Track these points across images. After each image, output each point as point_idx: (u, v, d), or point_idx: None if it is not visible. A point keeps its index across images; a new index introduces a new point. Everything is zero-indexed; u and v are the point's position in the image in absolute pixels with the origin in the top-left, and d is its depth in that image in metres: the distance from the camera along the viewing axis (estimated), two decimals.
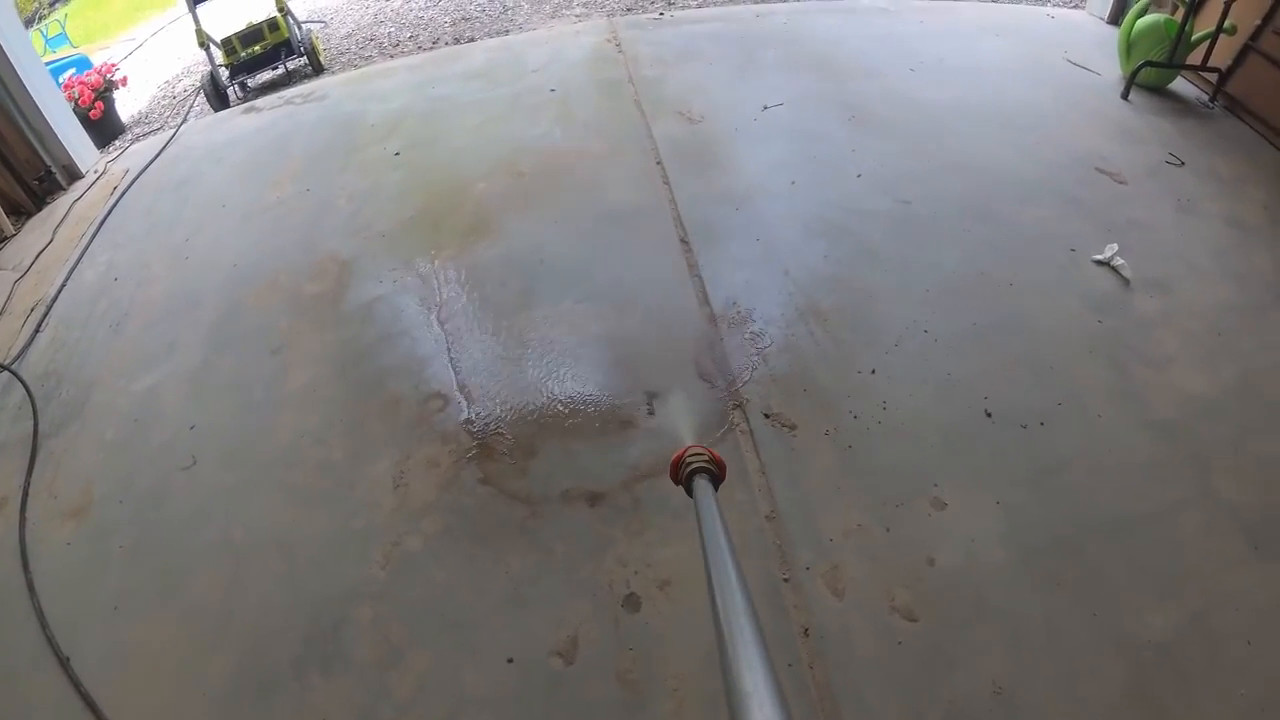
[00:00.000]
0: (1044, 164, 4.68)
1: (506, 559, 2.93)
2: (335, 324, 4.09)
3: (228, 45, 8.00)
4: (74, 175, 6.21)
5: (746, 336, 3.67)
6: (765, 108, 5.45)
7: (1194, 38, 5.17)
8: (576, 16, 8.30)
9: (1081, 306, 3.72)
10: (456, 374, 3.68)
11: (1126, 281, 3.82)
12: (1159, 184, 4.53)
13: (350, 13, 10.02)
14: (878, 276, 3.93)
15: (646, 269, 4.11)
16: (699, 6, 7.85)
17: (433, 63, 7.20)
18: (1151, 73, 5.34)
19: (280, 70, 8.23)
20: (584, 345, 3.74)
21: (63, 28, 11.87)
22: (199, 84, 8.05)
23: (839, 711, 2.46)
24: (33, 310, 4.69)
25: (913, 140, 4.96)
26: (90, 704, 2.73)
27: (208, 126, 6.87)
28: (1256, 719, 2.43)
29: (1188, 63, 5.28)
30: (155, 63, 10.27)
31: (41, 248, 5.32)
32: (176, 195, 5.62)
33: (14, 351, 4.34)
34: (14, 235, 5.62)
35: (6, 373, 4.18)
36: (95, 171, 6.27)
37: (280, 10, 8.10)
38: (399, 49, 8.40)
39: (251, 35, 8.07)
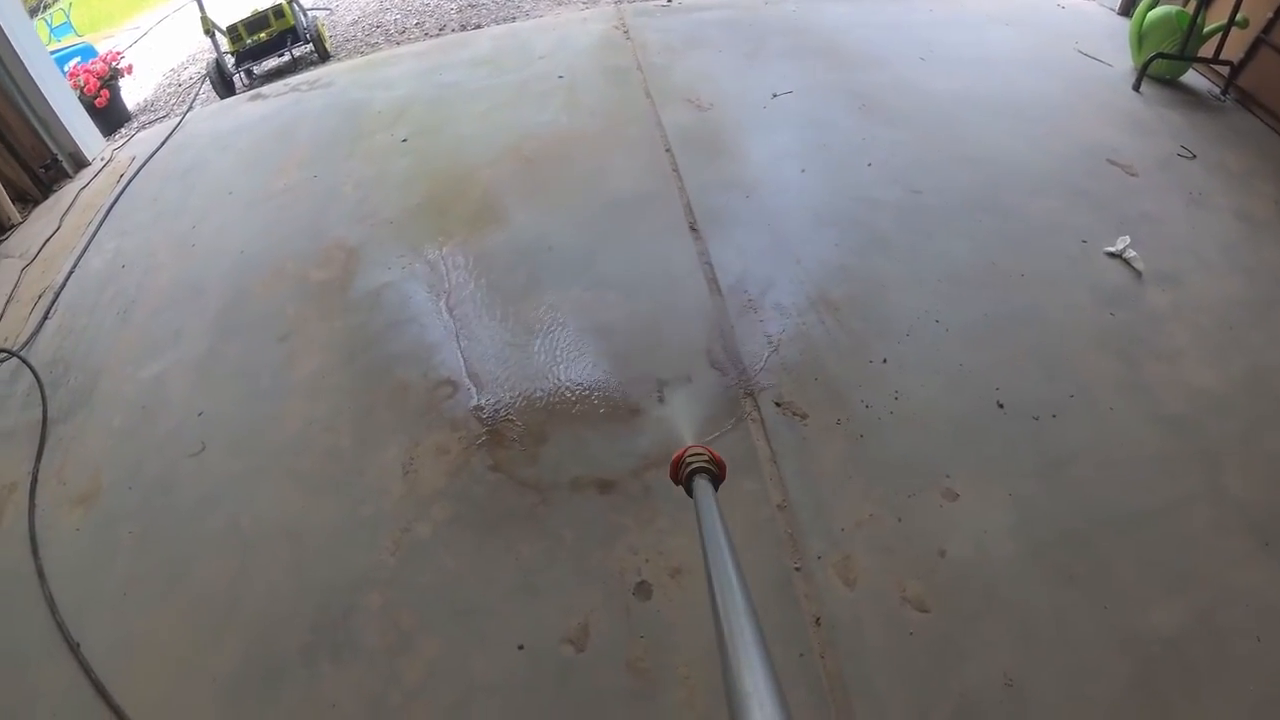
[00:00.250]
0: (1055, 155, 4.66)
1: (517, 546, 2.93)
2: (343, 311, 4.08)
3: (233, 32, 7.99)
4: (80, 163, 6.21)
5: (757, 324, 3.66)
6: (774, 95, 5.43)
7: (1206, 30, 5.15)
8: (584, 3, 8.28)
9: (1092, 299, 3.71)
10: (465, 361, 3.67)
11: (1138, 274, 3.80)
12: (1170, 177, 4.51)
13: None
14: (889, 266, 3.92)
15: (656, 256, 4.10)
16: None
17: (439, 49, 7.19)
18: (1163, 65, 5.32)
19: (286, 57, 8.24)
20: (593, 332, 3.72)
21: (67, 16, 11.85)
22: (204, 71, 8.05)
23: (850, 701, 2.45)
24: (40, 297, 4.69)
25: (923, 129, 4.94)
26: (100, 690, 2.74)
27: (213, 114, 6.87)
28: (1263, 716, 2.42)
29: (1199, 55, 5.26)
30: (160, 50, 10.27)
31: (48, 235, 5.32)
32: (183, 183, 5.62)
33: (22, 338, 4.35)
34: (21, 223, 5.62)
35: (15, 359, 4.17)
36: (101, 159, 6.27)
37: None
38: (405, 35, 8.39)
39: (257, 22, 8.07)
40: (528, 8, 8.46)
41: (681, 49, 6.30)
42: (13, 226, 5.59)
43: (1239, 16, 4.92)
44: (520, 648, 2.65)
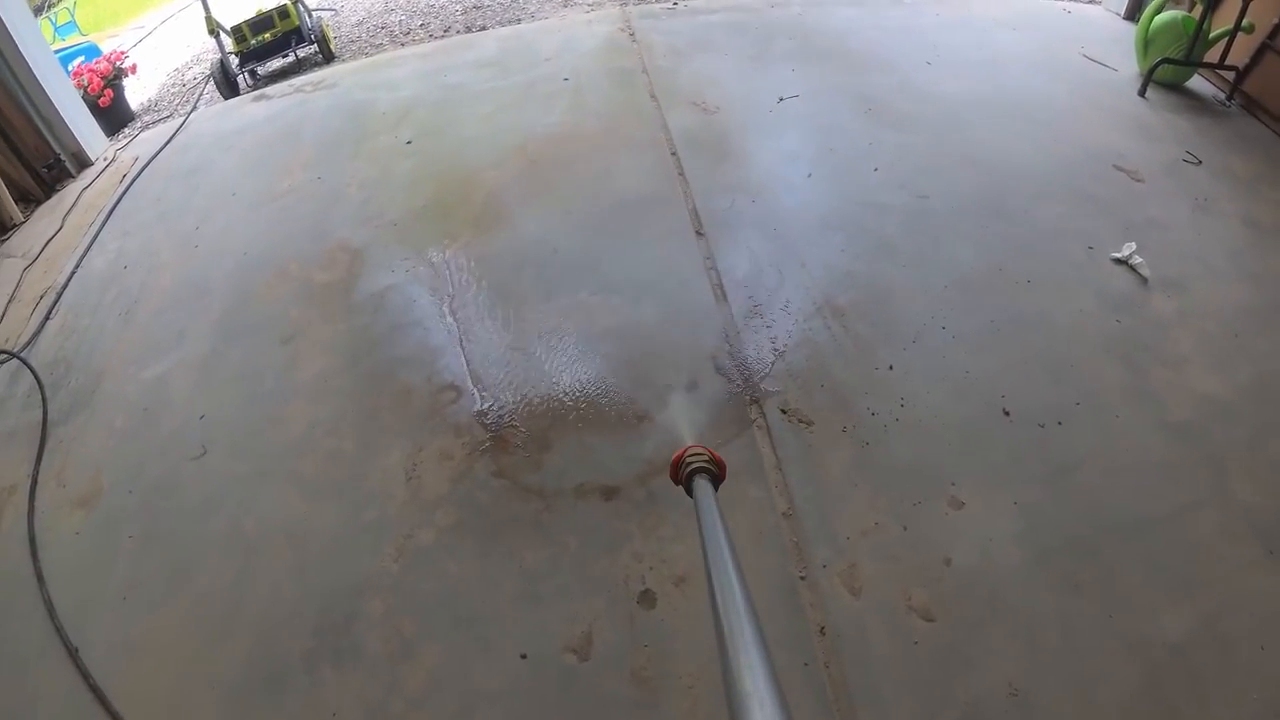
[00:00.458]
0: (1061, 160, 4.65)
1: (520, 553, 2.91)
2: (346, 313, 4.07)
3: (238, 33, 7.97)
4: (83, 163, 6.20)
5: (763, 330, 3.64)
6: (781, 99, 5.41)
7: (1211, 35, 5.14)
8: (589, 5, 8.25)
9: (1099, 305, 3.69)
10: (469, 365, 3.66)
11: (1144, 280, 3.79)
12: (1176, 182, 4.49)
13: (361, 0, 9.98)
14: (895, 271, 3.90)
15: (661, 261, 4.08)
16: None
17: (444, 51, 7.18)
18: (1168, 70, 5.31)
19: (290, 58, 8.22)
20: (599, 338, 3.71)
21: (72, 15, 11.82)
22: (209, 71, 8.03)
23: (854, 711, 2.44)
24: (42, 298, 4.67)
25: (929, 134, 4.93)
26: (99, 695, 2.73)
27: (217, 114, 6.86)
28: None
29: (1205, 60, 5.24)
30: (165, 50, 10.26)
31: (51, 235, 5.31)
32: (186, 183, 5.61)
33: (24, 339, 4.33)
34: (23, 223, 5.61)
35: (16, 360, 4.16)
36: (104, 159, 6.26)
37: None
38: (410, 37, 8.37)
39: (262, 23, 8.04)
40: (533, 9, 8.44)
41: (687, 51, 6.29)
42: (15, 226, 5.58)
43: (1245, 22, 4.91)
44: (523, 656, 2.64)
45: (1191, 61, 5.20)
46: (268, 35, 8.04)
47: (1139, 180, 4.48)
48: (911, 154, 4.74)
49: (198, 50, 9.63)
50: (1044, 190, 4.40)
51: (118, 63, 7.55)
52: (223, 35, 7.81)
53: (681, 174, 4.72)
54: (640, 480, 3.09)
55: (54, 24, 11.46)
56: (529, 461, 3.22)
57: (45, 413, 3.85)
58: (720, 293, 3.85)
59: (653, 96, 5.61)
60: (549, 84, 6.01)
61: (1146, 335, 3.56)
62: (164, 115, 7.72)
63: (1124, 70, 5.67)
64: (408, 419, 3.47)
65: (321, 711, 2.61)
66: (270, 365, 3.86)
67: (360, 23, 9.16)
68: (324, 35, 8.20)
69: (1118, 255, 3.90)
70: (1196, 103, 5.35)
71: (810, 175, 4.61)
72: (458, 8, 8.87)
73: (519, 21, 8.08)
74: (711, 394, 3.40)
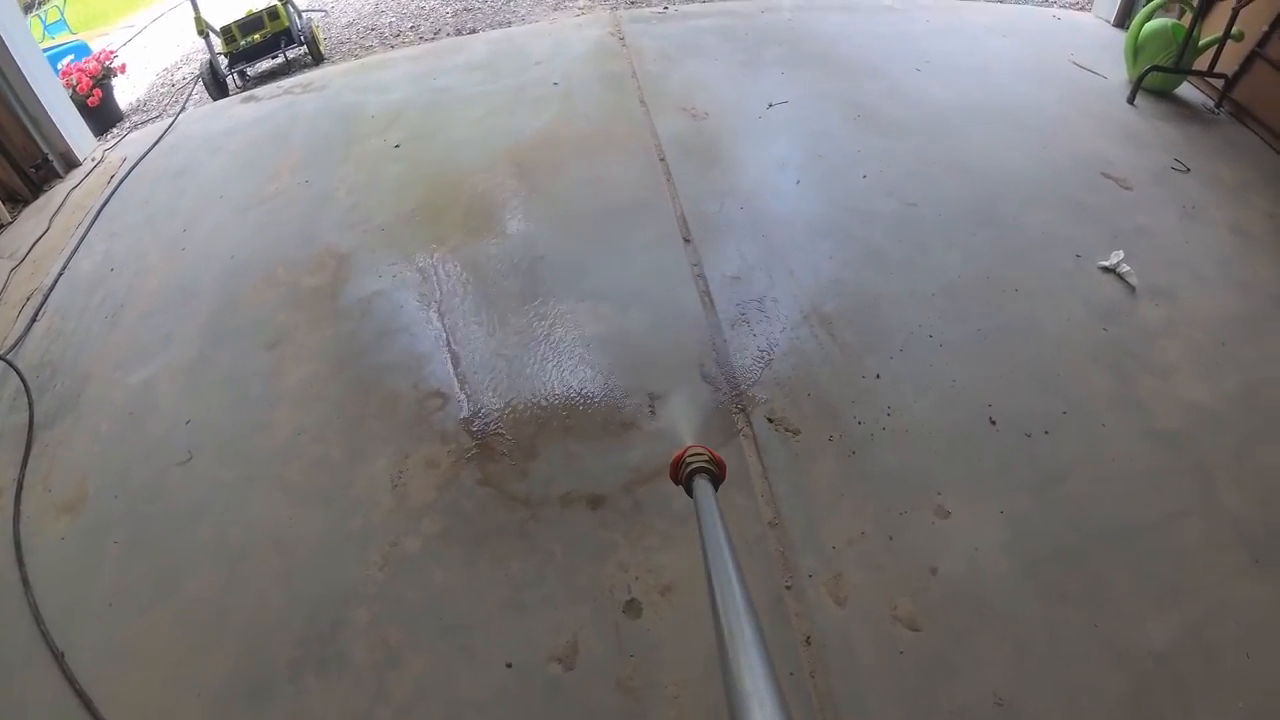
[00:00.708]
0: (1050, 167, 4.66)
1: (506, 562, 2.91)
2: (333, 319, 4.06)
3: (227, 33, 7.95)
4: (71, 163, 6.17)
5: (750, 338, 3.64)
6: (770, 105, 5.42)
7: (1201, 43, 5.15)
8: (580, 9, 8.25)
9: (1087, 313, 3.70)
10: (456, 372, 3.65)
11: (1132, 289, 3.80)
12: (1164, 190, 4.50)
13: (351, 2, 9.96)
14: (883, 279, 3.90)
15: (649, 267, 4.08)
16: (703, 1, 7.78)
17: (434, 54, 7.16)
18: (1158, 77, 5.32)
19: (280, 59, 8.19)
20: (586, 344, 3.70)
21: (61, 14, 11.79)
22: (198, 72, 8.00)
23: None
24: (29, 299, 4.65)
25: (918, 141, 4.93)
26: (85, 701, 2.71)
27: (206, 115, 6.83)
28: None
29: (1194, 68, 5.26)
30: (154, 50, 10.22)
31: (38, 236, 5.28)
32: (174, 185, 5.59)
33: (9, 341, 4.31)
34: (10, 223, 5.58)
35: (2, 363, 4.14)
36: (93, 159, 6.23)
37: None
38: (400, 39, 8.35)
39: (251, 23, 8.02)
40: (523, 13, 8.43)
41: (677, 57, 6.28)
42: (2, 227, 5.54)
43: (1234, 30, 4.93)
44: (509, 665, 2.63)
45: (1181, 69, 5.22)
46: (257, 36, 8.01)
47: (1127, 188, 4.49)
48: (900, 161, 4.74)
49: (187, 50, 9.60)
50: (1033, 197, 4.40)
51: (107, 62, 7.53)
52: (212, 36, 7.79)
53: (670, 180, 4.71)
54: (626, 489, 3.08)
55: (44, 22, 11.44)
56: (515, 469, 3.21)
57: (31, 416, 3.82)
58: (708, 300, 3.85)
59: (642, 102, 5.61)
60: (539, 88, 6.00)
61: (1134, 343, 3.57)
62: (153, 115, 7.70)
63: (1113, 77, 5.68)
64: (394, 426, 3.46)
65: None
66: (257, 370, 3.84)
67: (350, 24, 9.14)
68: (314, 37, 8.18)
69: (1105, 263, 3.91)
70: (1186, 110, 5.37)
71: (799, 182, 4.61)
72: (448, 10, 8.86)
73: (509, 25, 8.07)
74: (699, 402, 3.40)
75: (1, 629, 3.01)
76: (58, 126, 6.02)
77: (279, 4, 8.04)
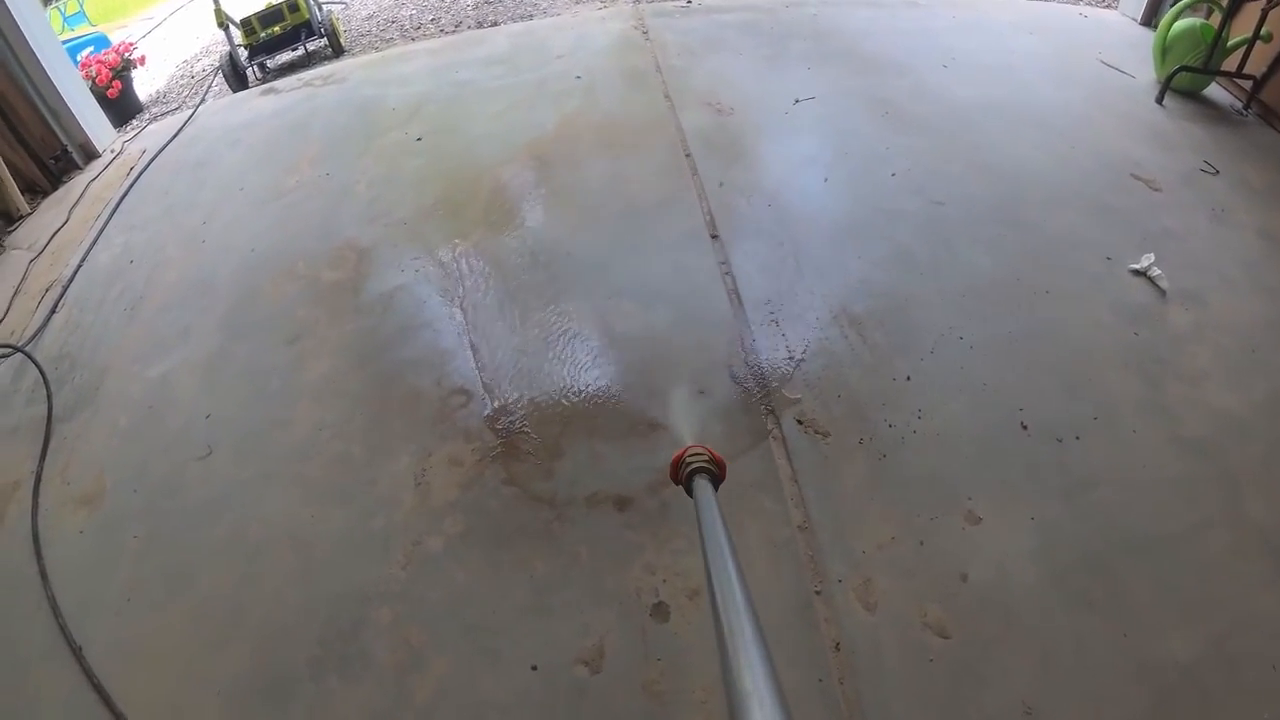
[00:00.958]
0: (1078, 167, 4.60)
1: (531, 563, 2.88)
2: (354, 314, 4.04)
3: (247, 25, 7.96)
4: (90, 155, 6.18)
5: (779, 338, 3.60)
6: (796, 101, 5.37)
7: (1230, 43, 5.09)
8: (602, 2, 8.23)
9: (1116, 317, 3.65)
10: (480, 369, 3.62)
11: (1162, 293, 3.75)
12: (1193, 192, 4.45)
13: None
14: (912, 279, 3.86)
15: (676, 265, 4.04)
16: None
17: (454, 47, 7.14)
18: (1186, 77, 5.26)
19: (300, 51, 8.21)
20: (612, 343, 3.67)
21: (80, 6, 11.82)
22: (217, 64, 8.02)
23: None
24: (48, 291, 4.65)
25: (945, 139, 4.89)
26: (103, 696, 2.70)
27: (226, 107, 6.83)
28: None
29: (1222, 69, 5.20)
30: (174, 42, 10.26)
31: (57, 228, 5.28)
32: (193, 177, 5.58)
33: (28, 333, 4.30)
34: (30, 214, 5.59)
35: (21, 354, 4.12)
36: (112, 151, 6.24)
37: None
38: (420, 32, 8.35)
39: (271, 15, 8.03)
40: (545, 5, 8.42)
41: (701, 51, 6.25)
42: (21, 218, 5.55)
43: (1263, 30, 4.86)
44: (533, 668, 2.61)
45: (1210, 70, 5.15)
46: (277, 28, 8.03)
47: (1156, 190, 4.44)
48: (927, 159, 4.69)
49: (207, 42, 9.63)
50: (1061, 198, 4.35)
51: (126, 54, 7.54)
52: (232, 28, 7.80)
53: (696, 176, 4.67)
54: (653, 490, 3.05)
55: (63, 14, 11.47)
56: (540, 469, 3.18)
57: (50, 408, 3.82)
58: (735, 298, 3.81)
59: (666, 96, 5.57)
60: (561, 82, 5.97)
61: (1163, 349, 3.52)
62: (172, 107, 7.71)
63: (1141, 77, 5.62)
64: (416, 423, 3.43)
65: None
66: (276, 365, 3.82)
67: (370, 16, 9.14)
68: (334, 29, 8.19)
69: (1136, 266, 3.86)
70: (1213, 111, 5.30)
71: (827, 179, 4.57)
72: (469, 2, 8.86)
73: (531, 18, 8.07)
74: (727, 403, 3.36)
75: (20, 622, 3.00)
76: (77, 118, 6.03)
77: None
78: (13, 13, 5.45)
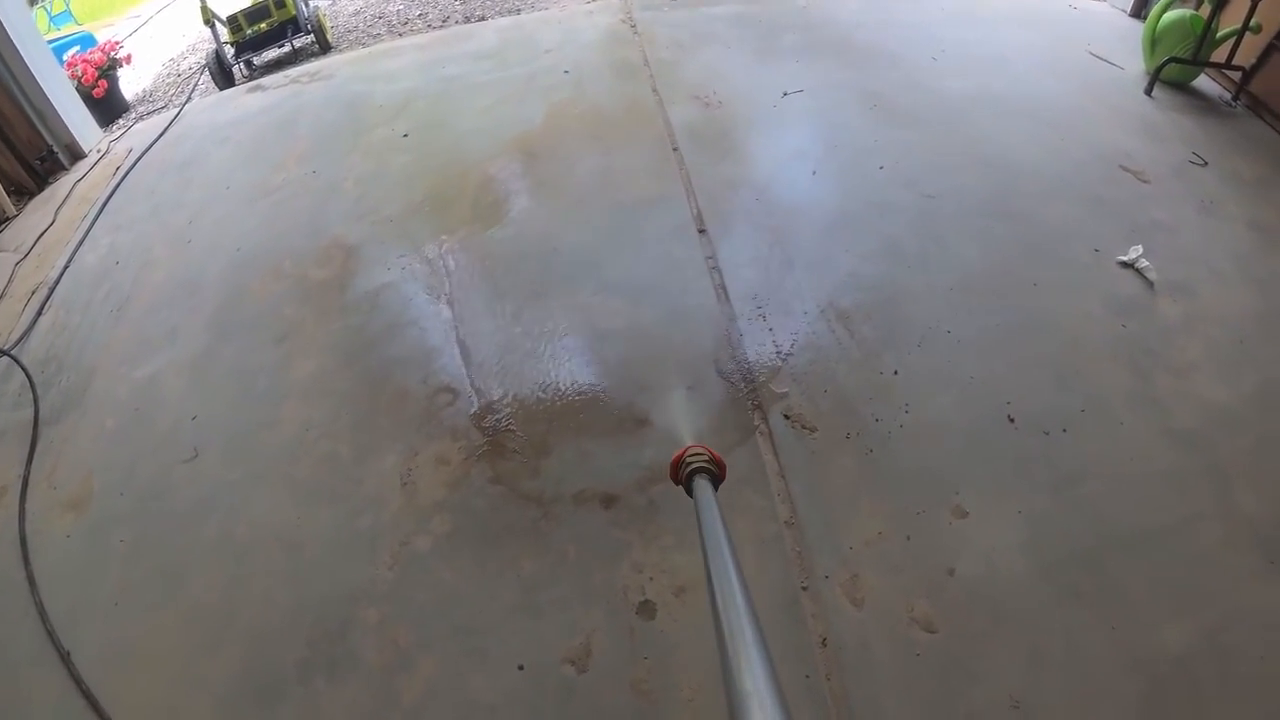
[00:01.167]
0: (1068, 159, 4.59)
1: (518, 562, 2.87)
2: (341, 312, 4.03)
3: (233, 22, 7.93)
4: (76, 155, 6.16)
5: (766, 333, 3.59)
6: (785, 94, 5.36)
7: (1219, 35, 5.09)
8: None
9: (1105, 309, 3.65)
10: (466, 367, 3.61)
11: (1151, 285, 3.74)
12: (1182, 184, 4.44)
13: None
14: (900, 273, 3.85)
15: (663, 260, 4.03)
16: None
17: (442, 42, 7.13)
18: (1175, 69, 5.26)
19: (286, 48, 8.19)
20: (599, 339, 3.66)
21: (67, 4, 11.78)
22: (204, 62, 7.98)
23: None
24: (34, 293, 4.63)
25: (935, 131, 4.88)
26: (91, 700, 2.70)
27: (212, 105, 6.81)
28: None
29: (1212, 60, 5.20)
30: (160, 40, 10.22)
31: (43, 229, 5.26)
32: (180, 176, 5.56)
33: (14, 336, 4.29)
34: (16, 216, 5.57)
35: (6, 358, 4.11)
36: (98, 151, 6.22)
37: None
38: (408, 27, 8.32)
39: (257, 12, 8.00)
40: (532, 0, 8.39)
41: (690, 44, 6.23)
42: (7, 220, 5.53)
43: (1253, 22, 4.86)
44: (521, 667, 2.61)
45: (1199, 61, 5.15)
46: (263, 25, 7.99)
47: (1145, 181, 4.43)
48: (917, 152, 4.68)
49: (193, 40, 9.60)
50: (1050, 190, 4.35)
51: (112, 53, 7.51)
52: (218, 25, 7.76)
53: (684, 170, 4.66)
54: (640, 487, 3.04)
55: (49, 13, 11.42)
56: (527, 467, 3.17)
57: (37, 412, 3.81)
58: (723, 293, 3.80)
59: (655, 90, 5.56)
60: (549, 76, 5.96)
61: (1153, 341, 3.52)
62: (159, 106, 7.68)
63: (1130, 68, 5.62)
64: (403, 422, 3.42)
65: None
66: (263, 365, 3.81)
67: (357, 12, 9.12)
68: (320, 25, 8.15)
69: (1125, 258, 3.86)
70: (1203, 103, 5.30)
71: (815, 172, 4.56)
72: None
73: (518, 12, 8.04)
74: (714, 398, 3.36)
75: (8, 628, 2.99)
76: (63, 118, 6.01)
77: None
78: None
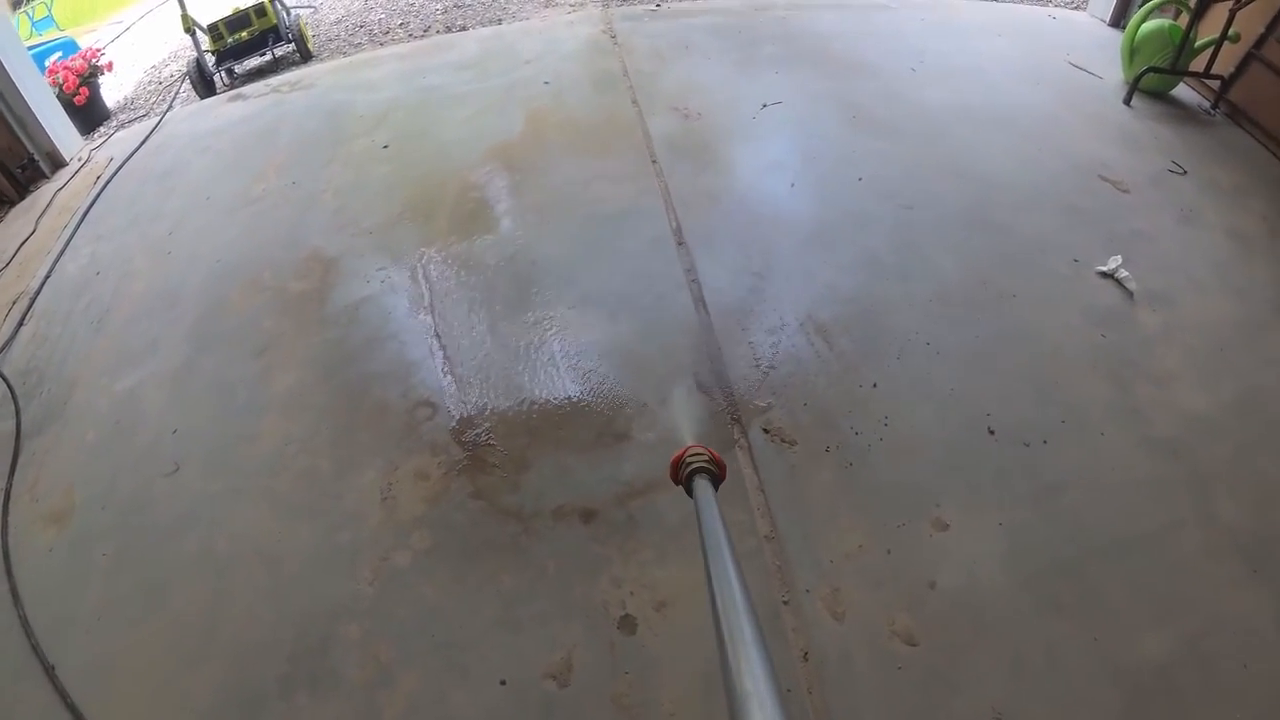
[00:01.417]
0: (1046, 170, 4.63)
1: (498, 577, 2.87)
2: (321, 325, 4.01)
3: (214, 31, 7.87)
4: (58, 163, 6.13)
5: (745, 346, 3.60)
6: (764, 105, 5.37)
7: (1197, 44, 5.13)
8: (571, 6, 8.17)
9: (1084, 320, 3.68)
10: (445, 380, 3.60)
11: (1130, 294, 3.77)
12: (1161, 193, 4.48)
13: None
14: (879, 285, 3.87)
15: (642, 272, 4.03)
16: None
17: (423, 52, 7.10)
18: (1154, 78, 5.29)
19: (268, 57, 8.12)
20: (578, 353, 3.65)
21: (49, 10, 11.69)
22: (185, 70, 7.92)
23: None
24: (15, 303, 4.60)
25: (913, 142, 4.90)
26: (77, 715, 2.69)
27: (193, 114, 6.78)
28: None
29: (1190, 69, 5.24)
30: (142, 47, 10.13)
31: (24, 238, 5.23)
32: (160, 186, 5.53)
33: None
34: None
35: None
36: (79, 159, 6.19)
37: None
38: (389, 36, 8.29)
39: (238, 21, 7.94)
40: (514, 9, 8.37)
41: (669, 55, 6.24)
42: None
43: (1231, 31, 4.90)
44: (502, 683, 2.60)
45: (1178, 70, 5.19)
46: (244, 33, 7.93)
47: (1124, 191, 4.46)
48: (896, 163, 4.70)
49: (175, 47, 9.51)
50: (1029, 201, 4.37)
51: (94, 60, 7.45)
52: (199, 33, 7.70)
53: (662, 182, 4.67)
54: (619, 502, 3.04)
55: (31, 18, 11.33)
56: (507, 482, 3.17)
57: (18, 423, 3.78)
58: (701, 306, 3.81)
59: (634, 101, 5.56)
60: (530, 87, 5.95)
61: (1132, 350, 3.55)
62: (140, 114, 7.63)
63: (1109, 78, 5.65)
64: (383, 436, 3.41)
65: None
66: (243, 378, 3.79)
67: (339, 21, 9.06)
68: (302, 34, 8.11)
69: (1104, 269, 3.88)
70: (1181, 111, 5.34)
71: (794, 184, 4.57)
72: (438, 7, 8.79)
73: (500, 22, 8.01)
74: (694, 413, 3.36)
75: None
76: (44, 126, 5.98)
77: (266, 1, 7.96)
78: None
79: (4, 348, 4.27)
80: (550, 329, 3.78)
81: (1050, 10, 7.07)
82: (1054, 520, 2.94)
